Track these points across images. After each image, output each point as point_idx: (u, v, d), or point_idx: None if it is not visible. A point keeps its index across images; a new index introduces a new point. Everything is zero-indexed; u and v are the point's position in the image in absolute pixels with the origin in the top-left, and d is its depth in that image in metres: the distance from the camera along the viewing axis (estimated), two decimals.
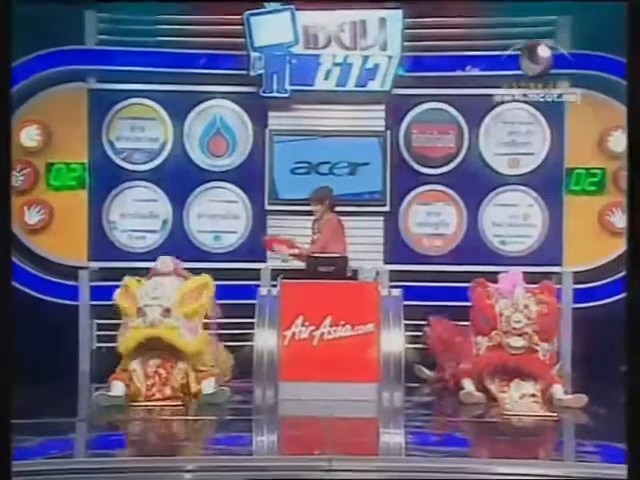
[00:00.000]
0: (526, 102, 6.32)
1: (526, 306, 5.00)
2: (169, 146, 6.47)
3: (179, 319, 4.88)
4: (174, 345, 4.85)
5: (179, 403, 4.77)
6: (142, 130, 6.46)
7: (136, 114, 6.45)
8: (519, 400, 4.79)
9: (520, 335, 4.92)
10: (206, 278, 5.14)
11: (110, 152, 6.43)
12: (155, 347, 4.88)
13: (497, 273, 5.37)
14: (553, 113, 6.33)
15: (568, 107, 6.25)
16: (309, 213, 6.37)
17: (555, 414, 4.64)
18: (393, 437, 4.47)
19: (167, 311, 4.86)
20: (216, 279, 5.29)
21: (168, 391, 4.84)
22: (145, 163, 6.47)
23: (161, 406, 4.73)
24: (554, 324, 5.14)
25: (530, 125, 6.41)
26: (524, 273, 5.27)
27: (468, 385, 5.03)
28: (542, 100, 6.11)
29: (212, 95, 6.49)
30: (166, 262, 5.27)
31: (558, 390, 4.94)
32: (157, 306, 4.86)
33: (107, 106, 6.39)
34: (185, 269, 5.39)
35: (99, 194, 6.39)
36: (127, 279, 5.10)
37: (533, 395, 4.82)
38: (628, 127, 2.33)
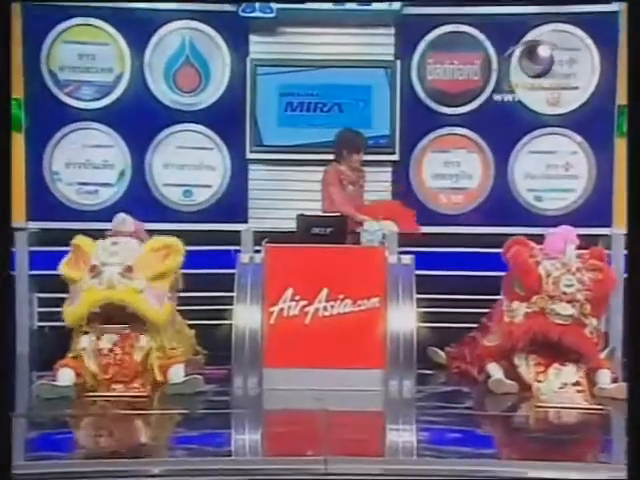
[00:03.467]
0: (570, 22, 6.25)
1: (579, 269, 4.98)
2: (126, 78, 6.41)
3: (142, 282, 4.85)
4: (137, 311, 4.82)
5: (141, 393, 4.75)
6: (92, 58, 6.38)
7: (84, 38, 6.36)
8: (559, 390, 4.80)
9: (569, 302, 4.90)
10: (173, 240, 5.12)
11: (52, 85, 6.35)
12: (111, 318, 4.83)
13: (531, 235, 5.34)
14: (604, 36, 6.26)
15: (623, 28, 6.13)
16: (301, 163, 6.33)
17: (601, 407, 4.67)
18: (402, 434, 4.49)
19: (129, 269, 4.83)
20: (186, 243, 5.26)
21: (126, 373, 4.80)
22: (96, 100, 6.41)
23: (119, 397, 4.71)
24: (607, 295, 5.14)
25: (575, 52, 6.35)
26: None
27: (494, 370, 5.04)
28: (590, 19, 6.06)
29: (179, 15, 6.41)
30: (125, 221, 5.24)
31: (604, 376, 4.96)
32: (116, 264, 4.84)
33: (47, 27, 6.28)
34: (151, 231, 5.35)
35: (39, 138, 6.32)
36: (78, 238, 5.06)
37: (577, 383, 4.82)
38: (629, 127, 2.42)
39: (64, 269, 5.00)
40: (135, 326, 4.88)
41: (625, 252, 6.14)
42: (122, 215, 5.31)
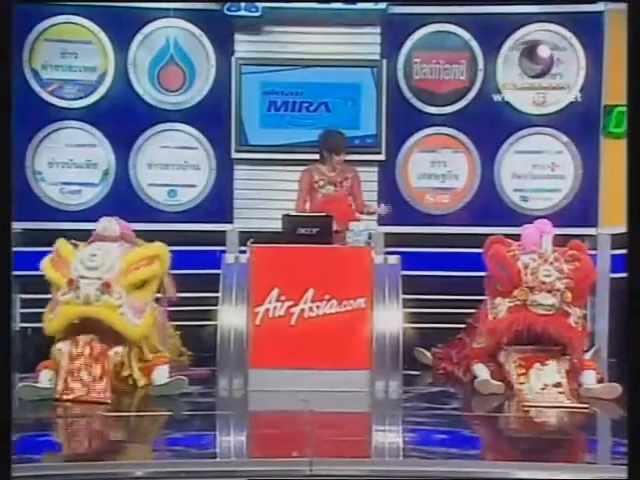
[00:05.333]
0: (556, 22, 6.29)
1: (557, 259, 5.02)
2: (110, 77, 6.39)
3: (121, 296, 4.80)
4: (113, 327, 4.79)
5: (101, 399, 4.64)
6: (75, 57, 6.36)
7: (67, 36, 6.34)
8: (540, 391, 4.81)
9: (550, 292, 4.93)
10: (160, 248, 5.07)
11: (34, 84, 6.32)
12: (89, 328, 4.80)
13: (517, 236, 5.36)
14: (590, 36, 6.30)
15: (609, 28, 6.19)
16: (286, 163, 6.32)
17: (586, 405, 4.69)
18: (388, 435, 4.48)
19: (107, 286, 4.77)
20: (171, 244, 5.25)
21: (86, 381, 4.72)
22: (80, 98, 6.39)
23: (79, 401, 4.65)
24: (588, 283, 5.17)
25: (561, 51, 6.38)
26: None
27: (481, 371, 5.05)
28: (576, 19, 6.09)
29: (164, 13, 6.39)
30: (110, 225, 5.13)
31: (589, 377, 4.98)
32: (94, 278, 4.79)
33: (29, 24, 6.24)
34: (134, 231, 5.31)
35: (21, 137, 6.25)
36: (59, 243, 5.01)
37: (558, 385, 4.83)
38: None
39: (46, 268, 4.94)
40: (110, 336, 4.81)
41: (611, 252, 6.20)
42: (107, 219, 5.18)
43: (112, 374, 4.78)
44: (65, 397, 4.67)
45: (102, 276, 4.80)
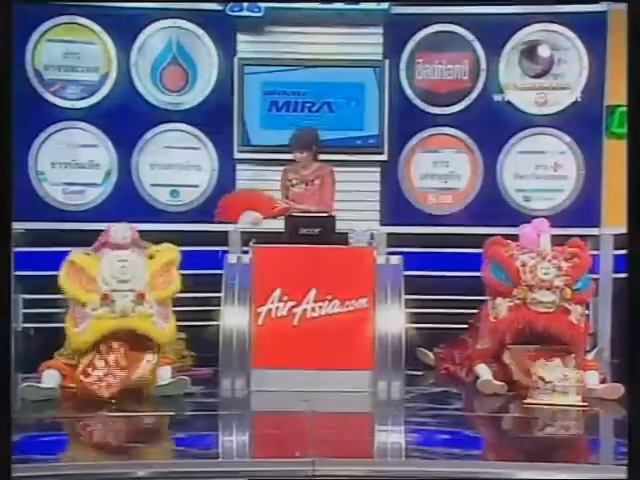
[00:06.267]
0: (558, 22, 6.30)
1: (555, 256, 5.03)
2: (112, 78, 6.39)
3: (152, 305, 4.84)
4: (148, 335, 4.82)
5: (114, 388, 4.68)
6: (77, 57, 6.36)
7: (70, 36, 6.34)
8: (549, 385, 4.80)
9: (549, 289, 4.93)
10: (173, 251, 5.07)
11: (37, 84, 6.32)
12: (117, 338, 4.80)
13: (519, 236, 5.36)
14: (592, 36, 6.29)
15: (612, 28, 6.19)
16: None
17: (585, 404, 4.70)
18: (390, 436, 4.49)
19: (141, 297, 4.79)
20: (174, 244, 5.23)
21: (121, 363, 4.76)
22: (82, 99, 6.39)
23: (104, 400, 4.69)
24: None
25: (564, 52, 6.38)
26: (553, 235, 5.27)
27: (483, 371, 5.04)
28: (579, 19, 6.08)
29: (166, 14, 6.39)
30: (124, 231, 5.04)
31: (592, 377, 4.97)
32: (129, 291, 4.79)
33: (32, 25, 6.25)
34: (140, 233, 5.29)
35: (24, 138, 6.24)
36: (74, 255, 4.94)
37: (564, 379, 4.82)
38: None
39: (65, 284, 4.86)
40: (138, 345, 4.85)
41: (614, 252, 6.20)
42: (119, 226, 5.06)
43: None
44: (83, 377, 4.68)
45: (135, 288, 4.81)
